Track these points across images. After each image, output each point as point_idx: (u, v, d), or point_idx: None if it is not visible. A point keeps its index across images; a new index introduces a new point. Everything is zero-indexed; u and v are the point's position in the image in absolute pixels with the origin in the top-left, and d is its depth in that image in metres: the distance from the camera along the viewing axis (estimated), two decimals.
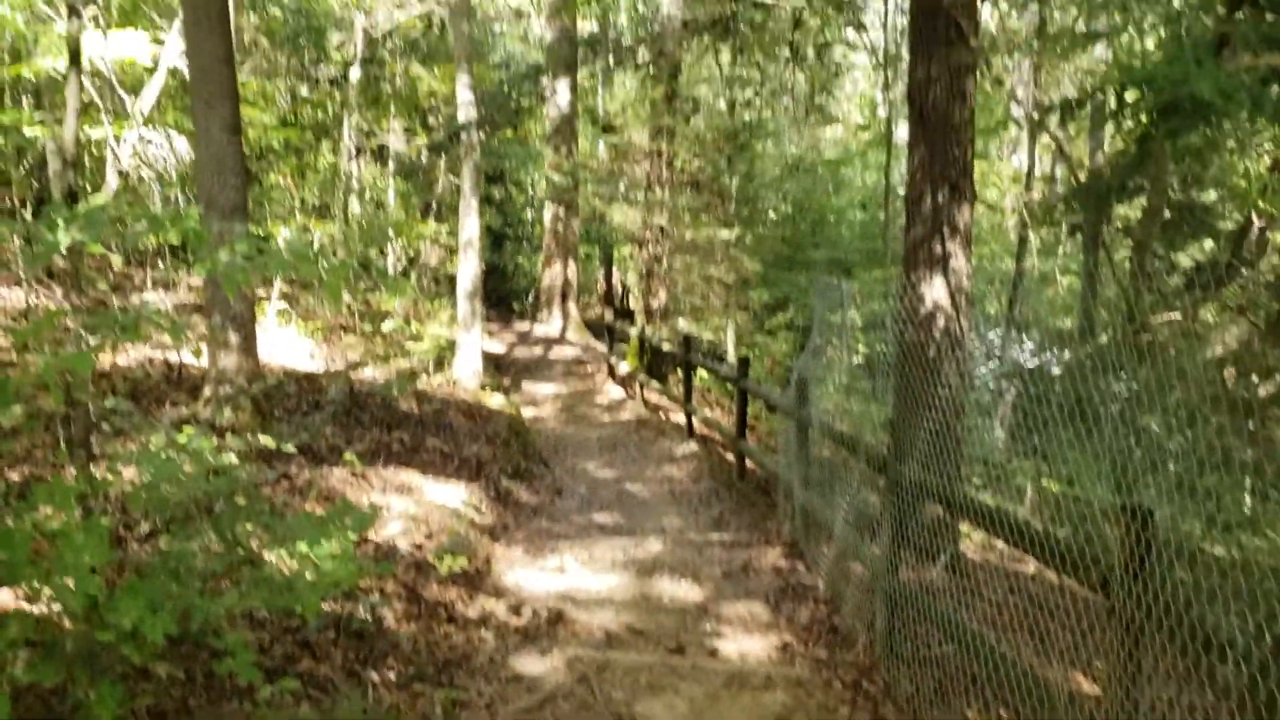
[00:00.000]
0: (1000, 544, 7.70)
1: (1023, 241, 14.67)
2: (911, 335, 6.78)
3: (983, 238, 15.77)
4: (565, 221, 23.71)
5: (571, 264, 24.07)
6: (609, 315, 20.81)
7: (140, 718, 3.52)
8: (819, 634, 6.36)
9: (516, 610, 6.24)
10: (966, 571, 6.89)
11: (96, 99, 13.34)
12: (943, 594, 6.16)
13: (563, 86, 21.01)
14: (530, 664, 5.41)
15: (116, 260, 14.01)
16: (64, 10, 12.17)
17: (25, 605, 3.84)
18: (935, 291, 7.11)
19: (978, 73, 7.58)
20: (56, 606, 3.29)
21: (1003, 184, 18.85)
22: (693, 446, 12.36)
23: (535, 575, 7.39)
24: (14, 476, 5.98)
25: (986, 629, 5.32)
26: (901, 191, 19.39)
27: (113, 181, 12.49)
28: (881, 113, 22.18)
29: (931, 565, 6.40)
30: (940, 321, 7.04)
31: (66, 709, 3.38)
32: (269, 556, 4.24)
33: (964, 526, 7.39)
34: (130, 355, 9.93)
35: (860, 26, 12.19)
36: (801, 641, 6.24)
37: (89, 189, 14.12)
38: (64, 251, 3.44)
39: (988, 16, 10.91)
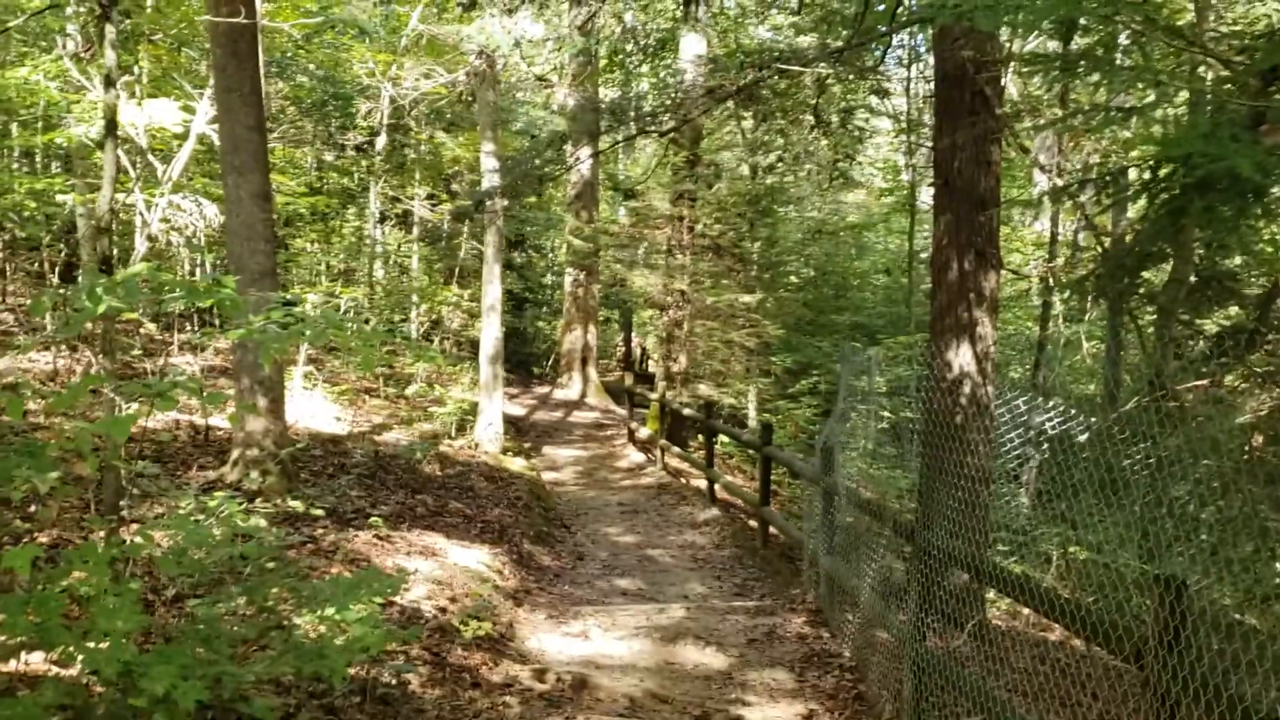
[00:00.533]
0: (1026, 610, 7.62)
1: (1046, 306, 14.66)
2: (938, 402, 6.76)
3: (1005, 303, 15.80)
4: (585, 286, 23.89)
5: (591, 328, 24.21)
6: (629, 380, 20.84)
7: None
8: (845, 702, 6.29)
9: (540, 676, 6.18)
10: (993, 639, 6.80)
11: (127, 165, 13.60)
12: (970, 662, 6.08)
13: (585, 153, 21.28)
14: None
15: (152, 327, 14.17)
16: (97, 80, 12.47)
17: (56, 670, 3.85)
18: (962, 358, 7.11)
19: (1003, 140, 7.65)
20: (88, 672, 3.29)
21: (1025, 249, 18.89)
22: (715, 512, 12.30)
23: (558, 640, 7.36)
24: (43, 540, 6.02)
25: (1014, 698, 5.24)
26: (925, 256, 19.46)
27: (142, 247, 12.67)
28: (905, 178, 22.35)
29: (958, 633, 6.33)
30: (967, 388, 7.04)
31: None
32: (298, 621, 4.24)
33: (990, 594, 7.31)
34: (158, 418, 10.01)
35: (883, 93, 12.34)
36: (827, 710, 6.17)
37: (117, 254, 14.33)
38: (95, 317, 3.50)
39: (1012, 86, 11.05)
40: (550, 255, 30.62)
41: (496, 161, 14.63)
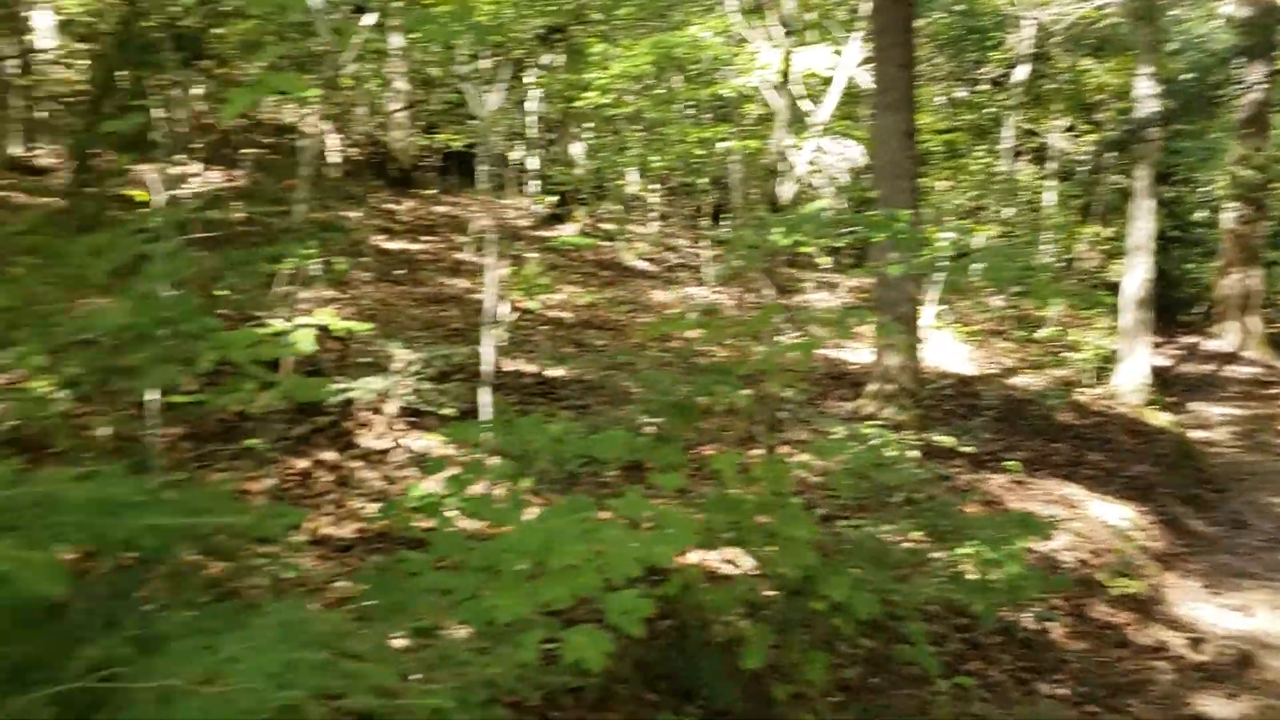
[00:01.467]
0: None
1: None
2: None
3: None
4: (1251, 222, 21.19)
5: (1255, 271, 21.42)
6: None
7: (829, 687, 3.75)
8: None
9: (1195, 645, 5.70)
10: None
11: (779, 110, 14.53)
12: None
13: (1257, 70, 18.78)
14: (1214, 705, 4.92)
15: (826, 261, 15.02)
16: (759, 33, 13.41)
17: (732, 569, 4.29)
18: None
19: None
20: (764, 572, 3.61)
21: None
22: None
23: (1214, 612, 6.70)
24: (708, 452, 6.73)
25: None
26: None
27: (791, 188, 13.48)
28: None
29: None
30: None
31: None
32: (941, 554, 4.29)
33: None
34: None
35: None
36: None
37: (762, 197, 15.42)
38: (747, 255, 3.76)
39: None
40: (1203, 189, 27.57)
41: (1155, 86, 13.39)
